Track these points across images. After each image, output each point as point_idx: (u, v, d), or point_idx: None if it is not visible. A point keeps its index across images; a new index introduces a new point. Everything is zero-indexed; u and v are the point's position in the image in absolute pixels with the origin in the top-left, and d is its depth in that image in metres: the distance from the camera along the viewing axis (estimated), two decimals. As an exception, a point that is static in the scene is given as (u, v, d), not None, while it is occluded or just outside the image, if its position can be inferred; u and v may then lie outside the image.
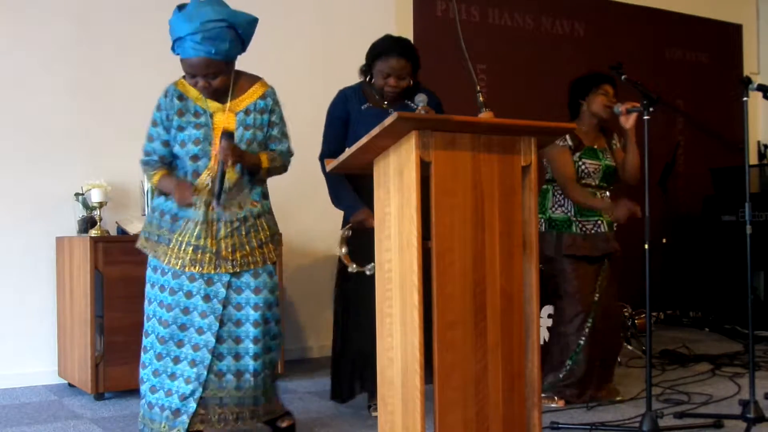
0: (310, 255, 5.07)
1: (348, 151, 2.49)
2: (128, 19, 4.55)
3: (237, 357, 2.94)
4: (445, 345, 2.28)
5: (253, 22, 2.87)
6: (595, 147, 3.80)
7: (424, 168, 2.28)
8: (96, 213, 4.10)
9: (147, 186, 4.27)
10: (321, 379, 4.32)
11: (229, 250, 2.91)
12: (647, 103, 3.10)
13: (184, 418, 2.87)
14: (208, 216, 2.88)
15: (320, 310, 5.09)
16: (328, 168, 2.70)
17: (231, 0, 2.88)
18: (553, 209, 3.76)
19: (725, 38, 7.13)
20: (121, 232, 4.14)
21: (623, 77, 3.37)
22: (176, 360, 2.90)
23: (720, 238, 6.15)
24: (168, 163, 2.98)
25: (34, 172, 4.31)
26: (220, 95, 2.90)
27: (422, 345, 2.25)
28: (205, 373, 2.89)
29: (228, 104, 2.92)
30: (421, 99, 2.86)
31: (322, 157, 3.52)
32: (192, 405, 2.87)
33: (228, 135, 2.81)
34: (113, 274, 3.90)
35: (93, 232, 3.97)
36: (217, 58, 2.77)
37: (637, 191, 3.38)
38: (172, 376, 2.90)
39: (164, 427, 2.88)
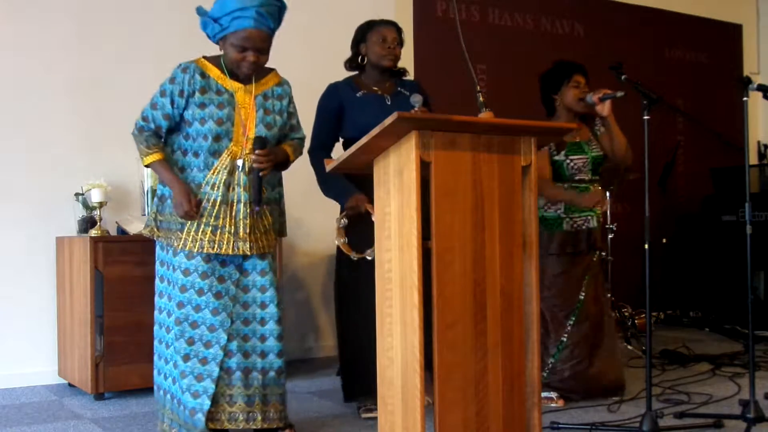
0: (310, 255, 5.07)
1: (348, 151, 2.49)
2: (128, 19, 4.55)
3: (246, 354, 2.96)
4: (445, 345, 2.28)
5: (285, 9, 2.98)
6: (578, 140, 3.76)
7: (424, 168, 2.28)
8: (96, 213, 4.09)
9: (147, 186, 4.27)
10: (321, 379, 4.32)
11: (247, 231, 2.93)
12: (647, 103, 3.09)
13: (200, 416, 2.87)
14: (228, 196, 2.90)
15: (320, 310, 5.10)
16: (327, 168, 2.69)
17: None
18: (546, 208, 3.74)
19: (725, 38, 7.13)
20: (121, 232, 4.14)
21: (623, 77, 3.36)
22: (186, 358, 2.91)
23: (720, 238, 6.15)
24: (161, 138, 2.97)
25: (34, 172, 4.31)
26: (249, 76, 2.94)
27: (422, 345, 2.25)
28: (217, 369, 2.90)
29: (252, 86, 2.97)
30: (416, 100, 2.87)
31: (312, 150, 3.55)
32: (207, 402, 2.88)
33: (261, 141, 2.89)
34: (113, 274, 3.90)
35: (93, 232, 3.97)
36: (271, 35, 2.89)
37: (638, 191, 3.38)
38: (182, 374, 2.91)
39: (186, 424, 2.91)
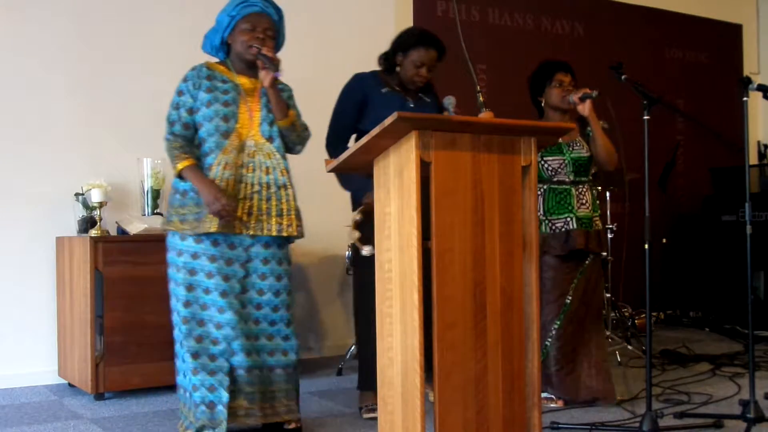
0: (309, 255, 5.07)
1: (348, 151, 2.49)
2: (128, 18, 4.55)
3: (249, 354, 3.00)
4: (445, 345, 2.28)
5: None
6: (560, 141, 3.67)
7: (424, 168, 2.28)
8: (96, 213, 4.09)
9: (147, 186, 4.27)
10: (321, 379, 4.32)
11: (245, 211, 2.98)
12: (647, 103, 3.09)
13: (221, 408, 2.93)
14: (234, 176, 2.96)
15: (320, 310, 5.10)
16: (327, 168, 2.70)
17: None
18: None
19: (725, 38, 7.13)
20: (121, 232, 4.13)
21: (623, 77, 3.35)
22: (195, 356, 2.95)
23: (720, 238, 6.15)
24: (190, 139, 3.03)
25: (34, 172, 4.31)
26: (253, 67, 3.07)
27: (422, 345, 2.25)
28: (227, 364, 2.96)
29: (258, 81, 3.08)
30: (450, 102, 2.86)
31: (330, 143, 3.53)
32: (225, 394, 2.94)
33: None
34: (113, 274, 3.90)
35: (93, 232, 3.97)
36: (276, 23, 3.13)
37: (638, 191, 3.37)
38: (194, 371, 2.95)
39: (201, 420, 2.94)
